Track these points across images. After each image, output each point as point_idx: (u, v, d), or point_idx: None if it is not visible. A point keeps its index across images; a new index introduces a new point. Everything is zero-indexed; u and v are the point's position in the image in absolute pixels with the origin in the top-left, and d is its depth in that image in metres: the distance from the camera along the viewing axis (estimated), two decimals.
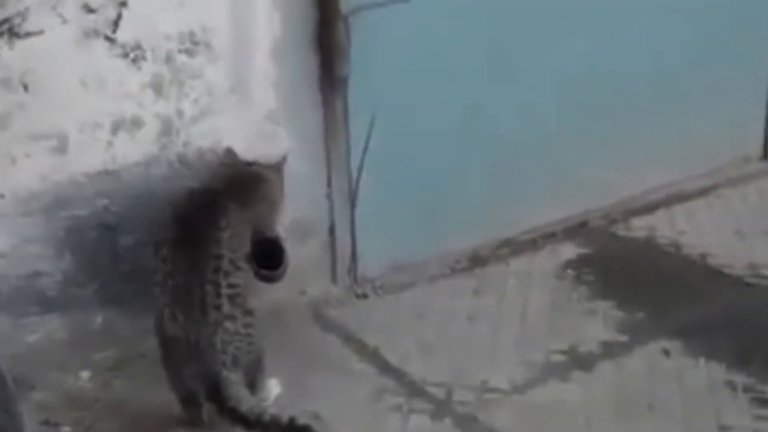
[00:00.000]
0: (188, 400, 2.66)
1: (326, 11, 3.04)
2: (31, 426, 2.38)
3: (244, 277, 2.67)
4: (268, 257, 2.79)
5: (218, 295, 2.58)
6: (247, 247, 2.72)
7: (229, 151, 2.88)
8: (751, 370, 2.85)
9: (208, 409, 2.64)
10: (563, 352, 2.98)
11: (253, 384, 2.67)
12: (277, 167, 2.88)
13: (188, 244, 2.62)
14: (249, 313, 2.64)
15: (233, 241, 2.65)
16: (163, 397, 2.69)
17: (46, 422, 2.67)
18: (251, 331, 2.64)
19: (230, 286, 2.60)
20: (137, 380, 2.83)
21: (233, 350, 2.58)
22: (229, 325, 2.58)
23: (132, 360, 2.90)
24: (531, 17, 3.37)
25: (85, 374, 2.88)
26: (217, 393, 2.57)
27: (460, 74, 3.28)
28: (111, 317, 2.96)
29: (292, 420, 2.52)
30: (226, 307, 2.59)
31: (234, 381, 2.57)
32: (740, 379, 2.82)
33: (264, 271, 2.77)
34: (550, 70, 3.46)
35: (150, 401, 2.74)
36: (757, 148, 4.18)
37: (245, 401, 2.56)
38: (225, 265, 2.61)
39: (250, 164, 2.84)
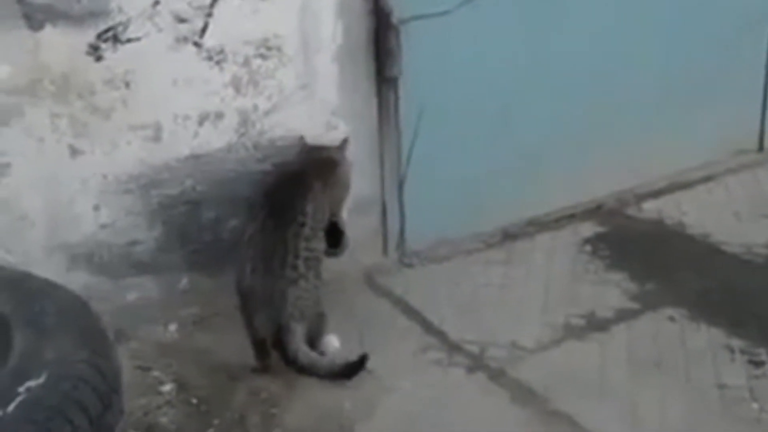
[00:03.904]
0: (259, 347, 2.68)
1: (381, 22, 3.03)
2: (126, 370, 2.40)
3: (321, 245, 2.70)
4: (331, 237, 2.82)
5: (297, 257, 2.61)
6: (326, 221, 2.73)
7: (303, 139, 2.87)
8: (746, 335, 2.80)
9: (274, 357, 2.66)
10: (582, 317, 2.94)
11: (316, 337, 2.68)
12: (343, 150, 2.89)
13: (279, 210, 2.65)
14: (318, 276, 2.66)
15: (316, 213, 2.68)
16: (238, 348, 2.71)
17: (139, 367, 2.70)
18: (318, 292, 2.66)
19: (308, 249, 2.63)
20: (216, 333, 2.85)
21: (302, 305, 2.60)
22: (302, 283, 2.61)
23: (212, 316, 2.91)
24: (554, 25, 3.32)
25: (172, 327, 2.91)
26: (281, 342, 2.59)
27: (494, 75, 3.23)
28: (195, 279, 2.98)
29: (345, 364, 2.56)
30: (302, 268, 2.61)
31: (296, 334, 2.58)
32: (737, 343, 2.77)
33: (328, 249, 2.80)
34: (574, 71, 3.40)
35: (227, 351, 2.76)
36: (753, 141, 4.08)
37: (303, 352, 2.58)
38: (306, 231, 2.64)
39: (328, 150, 2.84)
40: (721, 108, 3.81)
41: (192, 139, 2.87)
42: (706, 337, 2.82)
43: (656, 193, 3.75)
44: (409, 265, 3.28)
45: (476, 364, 2.73)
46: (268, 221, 2.64)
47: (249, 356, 2.70)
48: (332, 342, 2.74)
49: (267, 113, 2.95)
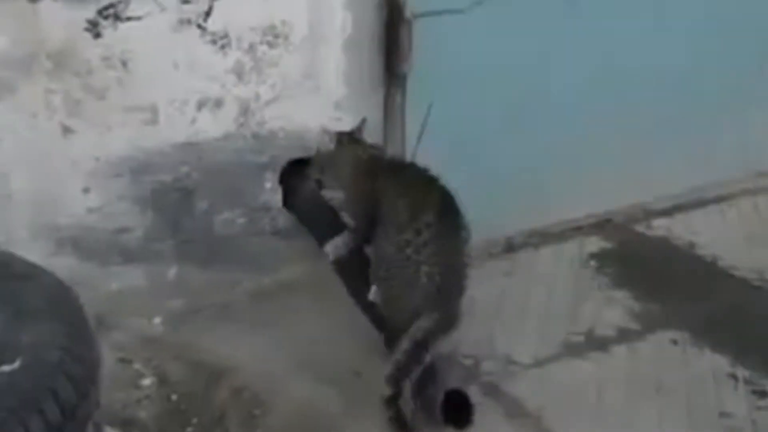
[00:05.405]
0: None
1: (392, 15, 2.99)
2: (107, 362, 2.37)
3: None
4: None
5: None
6: None
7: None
8: (751, 364, 2.76)
9: None
10: (582, 334, 2.91)
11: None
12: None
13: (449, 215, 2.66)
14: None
15: None
16: (224, 344, 2.69)
17: (121, 359, 2.67)
18: None
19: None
20: (202, 328, 2.82)
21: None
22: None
23: (199, 309, 2.88)
24: (567, 30, 3.28)
25: (157, 320, 2.87)
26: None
27: (503, 79, 3.18)
28: (184, 270, 2.94)
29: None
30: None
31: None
32: (741, 371, 2.74)
33: None
34: (587, 78, 3.36)
35: (212, 347, 2.72)
36: None
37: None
38: None
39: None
40: (741, 128, 3.79)
41: (189, 125, 2.83)
42: (709, 363, 2.79)
43: (667, 211, 3.72)
44: None
45: (470, 377, 2.70)
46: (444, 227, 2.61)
47: (235, 352, 2.66)
48: None
49: (268, 103, 2.91)
